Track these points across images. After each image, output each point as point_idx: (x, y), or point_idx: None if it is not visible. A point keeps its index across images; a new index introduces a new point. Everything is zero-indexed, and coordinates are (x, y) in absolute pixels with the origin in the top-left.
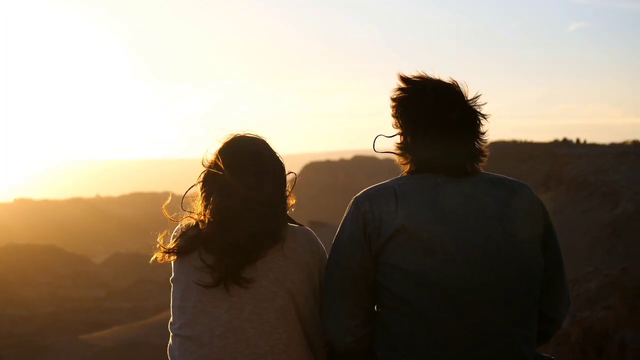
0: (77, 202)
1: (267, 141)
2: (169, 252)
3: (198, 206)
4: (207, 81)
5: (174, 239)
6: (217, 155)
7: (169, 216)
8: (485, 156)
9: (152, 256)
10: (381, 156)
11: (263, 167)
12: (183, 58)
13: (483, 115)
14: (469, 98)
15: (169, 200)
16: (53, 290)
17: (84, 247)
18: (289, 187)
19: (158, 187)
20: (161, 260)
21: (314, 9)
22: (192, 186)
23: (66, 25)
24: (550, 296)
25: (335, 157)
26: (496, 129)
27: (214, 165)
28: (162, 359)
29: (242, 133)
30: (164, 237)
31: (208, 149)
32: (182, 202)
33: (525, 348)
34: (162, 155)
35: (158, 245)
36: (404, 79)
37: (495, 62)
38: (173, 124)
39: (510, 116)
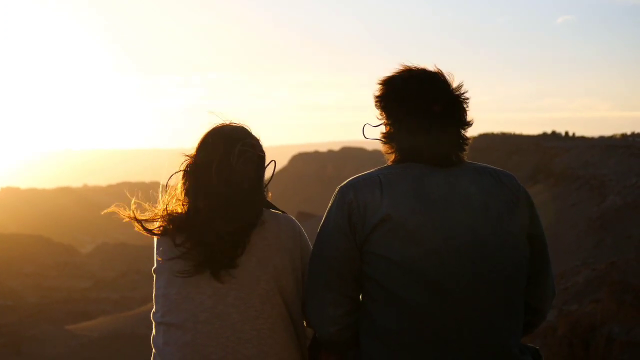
0: (64, 191)
1: (248, 129)
2: (150, 231)
3: (178, 192)
4: (192, 74)
5: (162, 220)
6: (197, 146)
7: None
8: (467, 144)
9: (140, 246)
10: (369, 147)
11: (241, 158)
12: (168, 51)
13: (467, 104)
14: (453, 87)
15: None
16: (39, 280)
17: (70, 237)
18: (267, 179)
19: (146, 177)
20: (139, 228)
21: (300, 2)
22: (174, 173)
23: (52, 18)
24: (535, 287)
25: (323, 149)
26: (485, 122)
27: (194, 156)
28: (148, 349)
29: (225, 123)
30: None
31: (195, 139)
32: (166, 186)
33: (511, 339)
34: (149, 145)
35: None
36: (384, 81)
37: (483, 55)
38: (159, 116)
39: (499, 109)
